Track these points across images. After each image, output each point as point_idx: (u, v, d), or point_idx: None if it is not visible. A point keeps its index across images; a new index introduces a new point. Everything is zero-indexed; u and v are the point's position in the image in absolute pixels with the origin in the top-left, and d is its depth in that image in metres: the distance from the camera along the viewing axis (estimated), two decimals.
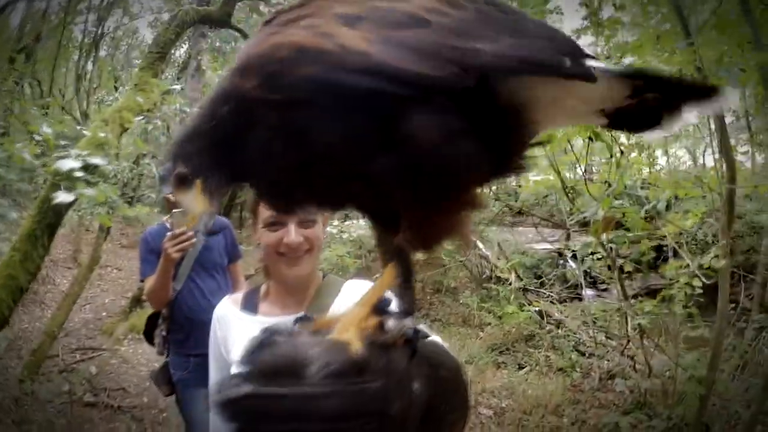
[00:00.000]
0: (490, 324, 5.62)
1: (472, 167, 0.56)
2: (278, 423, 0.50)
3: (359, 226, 6.35)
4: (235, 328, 1.30)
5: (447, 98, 0.52)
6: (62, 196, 2.43)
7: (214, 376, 1.36)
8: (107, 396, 4.40)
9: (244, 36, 5.22)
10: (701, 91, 0.61)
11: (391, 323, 0.57)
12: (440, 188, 0.55)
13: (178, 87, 6.55)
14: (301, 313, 1.02)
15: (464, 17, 0.54)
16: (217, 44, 9.27)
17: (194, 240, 2.42)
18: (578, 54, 0.60)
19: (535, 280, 7.02)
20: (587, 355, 4.80)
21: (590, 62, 0.59)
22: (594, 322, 5.14)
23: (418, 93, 0.50)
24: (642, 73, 0.61)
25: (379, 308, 0.60)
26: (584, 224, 10.20)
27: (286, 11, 0.59)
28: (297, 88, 0.51)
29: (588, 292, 7.68)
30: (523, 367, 4.72)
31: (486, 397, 4.20)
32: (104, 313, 6.69)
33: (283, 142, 0.56)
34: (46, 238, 2.66)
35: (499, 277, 6.16)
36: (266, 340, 0.57)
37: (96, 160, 2.56)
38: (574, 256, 9.22)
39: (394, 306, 0.62)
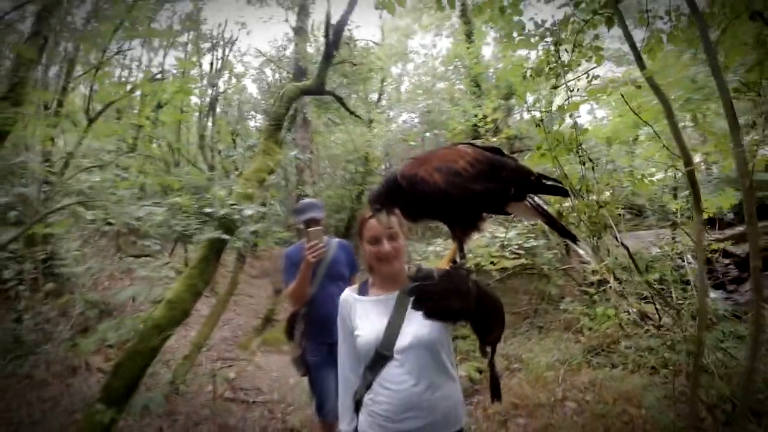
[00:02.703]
0: (590, 329, 6.01)
1: (480, 217, 1.55)
2: (430, 295, 1.41)
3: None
4: (355, 307, 2.02)
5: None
6: (226, 237, 3.78)
7: (341, 341, 2.06)
8: (244, 394, 5.60)
9: (338, 99, 6.46)
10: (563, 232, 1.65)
11: (458, 261, 1.51)
12: (472, 221, 1.52)
13: (294, 159, 8.26)
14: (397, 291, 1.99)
15: (475, 172, 1.44)
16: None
17: (325, 249, 3.25)
18: (525, 184, 1.54)
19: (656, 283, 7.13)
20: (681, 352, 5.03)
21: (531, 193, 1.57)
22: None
23: (454, 201, 1.46)
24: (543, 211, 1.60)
25: (452, 259, 1.53)
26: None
27: (419, 159, 1.54)
28: (416, 190, 1.46)
29: (712, 294, 7.59)
30: (616, 367, 5.09)
31: (573, 393, 4.71)
32: (239, 332, 8.24)
33: (420, 201, 1.48)
34: (214, 260, 3.92)
35: (600, 281, 6.50)
36: (418, 271, 1.52)
37: (250, 210, 3.84)
38: (695, 256, 9.03)
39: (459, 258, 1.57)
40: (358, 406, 1.96)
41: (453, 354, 2.00)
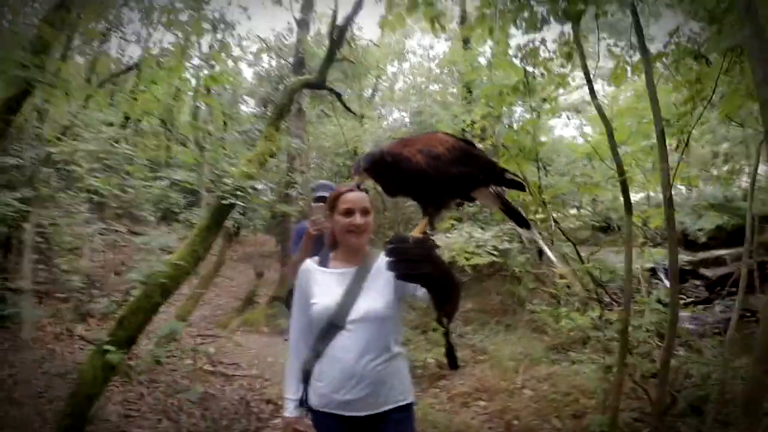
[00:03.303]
0: (554, 329, 6.49)
1: (451, 198, 1.66)
2: (404, 259, 1.36)
3: None
4: (314, 276, 2.12)
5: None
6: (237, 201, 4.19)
7: (296, 310, 2.15)
8: (223, 368, 5.95)
9: (337, 95, 6.91)
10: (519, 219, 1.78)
11: (428, 231, 1.52)
12: (444, 201, 1.61)
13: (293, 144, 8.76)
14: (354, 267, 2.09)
15: (452, 157, 1.53)
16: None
17: (327, 225, 3.74)
18: (491, 174, 1.67)
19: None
20: (636, 355, 5.53)
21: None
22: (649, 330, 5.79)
23: (432, 175, 1.53)
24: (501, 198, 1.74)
25: (423, 230, 1.54)
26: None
27: (403, 141, 1.63)
28: (399, 167, 1.53)
29: (682, 314, 8.06)
30: (575, 363, 5.58)
31: (532, 383, 5.17)
32: (219, 312, 8.62)
33: (401, 178, 1.55)
34: (214, 229, 4.29)
35: (567, 285, 7.00)
36: (395, 236, 1.48)
37: (260, 186, 4.27)
38: (667, 275, 9.59)
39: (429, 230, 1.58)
40: (306, 376, 2.04)
41: (401, 331, 2.16)
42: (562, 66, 3.50)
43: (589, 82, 3.14)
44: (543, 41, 3.42)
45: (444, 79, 13.47)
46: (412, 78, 14.60)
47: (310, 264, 2.19)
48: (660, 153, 2.77)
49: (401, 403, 2.02)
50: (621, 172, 2.91)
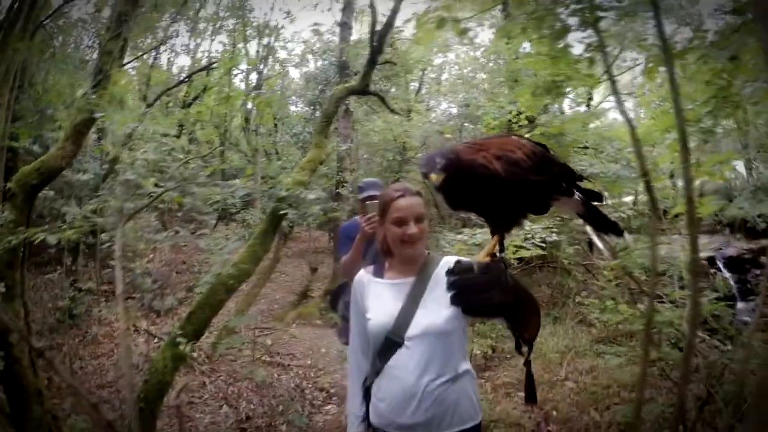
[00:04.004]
0: (603, 322, 6.56)
1: (528, 212, 1.65)
2: (470, 290, 1.45)
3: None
4: (369, 288, 2.02)
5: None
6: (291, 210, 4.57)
7: (353, 323, 2.08)
8: (280, 358, 6.46)
9: (380, 98, 7.20)
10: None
11: (497, 255, 1.53)
12: (519, 215, 1.61)
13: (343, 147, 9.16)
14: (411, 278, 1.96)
15: (532, 164, 1.48)
16: None
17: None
18: (571, 181, 1.63)
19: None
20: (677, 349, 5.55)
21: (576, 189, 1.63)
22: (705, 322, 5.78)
23: (513, 185, 1.48)
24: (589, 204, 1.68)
25: (491, 252, 1.54)
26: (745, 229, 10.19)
27: (476, 145, 1.55)
28: (474, 175, 1.47)
29: (741, 305, 7.89)
30: (620, 357, 5.67)
31: (574, 375, 5.33)
32: (276, 306, 9.20)
33: (472, 187, 1.49)
34: (271, 233, 4.65)
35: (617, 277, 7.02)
36: (458, 264, 1.54)
37: (312, 195, 4.65)
38: (727, 264, 9.32)
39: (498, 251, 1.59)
40: (367, 392, 1.96)
41: (467, 346, 2.00)
42: (591, 64, 3.63)
43: (613, 84, 3.29)
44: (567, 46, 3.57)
45: (491, 68, 13.50)
46: (459, 68, 14.70)
47: (364, 275, 2.09)
48: (681, 152, 2.90)
49: (468, 425, 1.87)
50: (644, 173, 3.04)
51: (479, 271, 1.41)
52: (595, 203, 1.71)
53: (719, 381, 4.22)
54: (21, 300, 3.85)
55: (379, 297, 1.98)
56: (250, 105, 12.16)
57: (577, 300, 7.18)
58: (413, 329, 1.85)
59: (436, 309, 1.84)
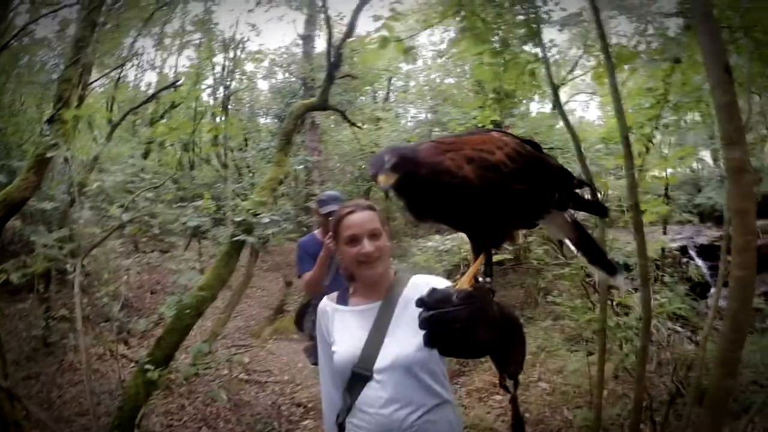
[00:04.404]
0: (577, 319, 6.74)
1: (514, 227, 1.33)
2: (450, 325, 1.05)
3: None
4: (334, 318, 1.87)
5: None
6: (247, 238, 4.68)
7: (321, 356, 1.92)
8: (257, 375, 6.51)
9: (340, 113, 7.33)
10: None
11: (481, 280, 1.17)
12: (504, 231, 1.22)
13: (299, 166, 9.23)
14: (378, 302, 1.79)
15: (514, 168, 1.14)
16: None
17: None
18: (567, 190, 1.29)
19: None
20: (656, 345, 5.75)
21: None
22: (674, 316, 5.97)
23: (489, 194, 1.13)
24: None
25: (475, 276, 1.17)
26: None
27: (443, 143, 1.20)
28: (439, 183, 1.12)
29: (713, 291, 8.13)
30: (592, 354, 5.84)
31: (547, 376, 5.49)
32: (252, 322, 9.23)
33: (438, 197, 1.14)
34: (235, 255, 4.80)
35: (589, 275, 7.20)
36: (432, 293, 1.12)
37: (267, 218, 4.76)
38: (699, 253, 9.65)
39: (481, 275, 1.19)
40: (341, 429, 1.78)
41: (445, 371, 1.83)
42: (531, 74, 3.79)
43: (555, 94, 3.46)
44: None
45: (458, 73, 13.69)
46: (426, 75, 14.88)
47: (327, 303, 1.95)
48: (625, 159, 3.06)
49: None
50: (590, 181, 3.18)
51: (459, 301, 1.10)
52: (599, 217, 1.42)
53: (687, 374, 4.44)
54: None
55: (344, 327, 1.83)
56: (218, 119, 12.23)
57: (548, 299, 7.37)
58: (381, 361, 1.70)
59: (406, 337, 1.69)
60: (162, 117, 11.12)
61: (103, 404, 5.21)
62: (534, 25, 3.37)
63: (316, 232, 3.72)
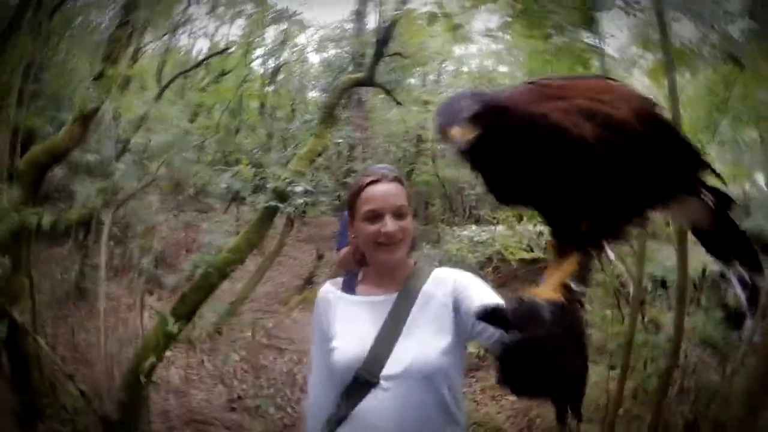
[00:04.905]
0: (605, 330, 6.60)
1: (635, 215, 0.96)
2: (539, 356, 0.79)
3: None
4: (337, 307, 1.55)
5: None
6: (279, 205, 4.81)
7: (314, 350, 1.61)
8: (278, 341, 6.73)
9: (386, 91, 7.27)
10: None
11: (575, 287, 0.88)
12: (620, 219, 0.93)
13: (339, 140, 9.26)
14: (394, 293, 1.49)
15: (645, 133, 0.86)
16: None
17: None
18: (693, 170, 0.96)
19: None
20: (681, 370, 5.59)
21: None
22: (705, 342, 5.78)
23: (611, 165, 0.83)
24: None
25: (564, 282, 0.88)
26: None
27: (545, 87, 0.90)
28: (543, 142, 0.82)
29: (749, 323, 7.80)
30: (614, 368, 5.72)
31: None
32: (281, 289, 9.47)
33: (535, 162, 0.85)
34: (267, 221, 4.91)
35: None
36: (519, 306, 0.86)
37: (300, 187, 4.87)
38: (740, 280, 9.23)
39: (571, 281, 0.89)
40: None
41: (461, 386, 1.55)
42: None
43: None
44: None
45: (512, 61, 13.42)
46: (479, 61, 14.66)
47: (329, 289, 1.64)
48: None
49: None
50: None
51: (552, 319, 0.82)
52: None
53: (708, 404, 4.30)
54: (26, 271, 4.09)
55: (348, 319, 1.53)
56: (266, 89, 12.41)
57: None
58: (393, 366, 1.40)
59: (426, 338, 1.42)
60: (211, 83, 11.38)
61: (126, 351, 5.48)
62: (590, 11, 3.27)
63: None
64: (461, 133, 0.81)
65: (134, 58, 7.67)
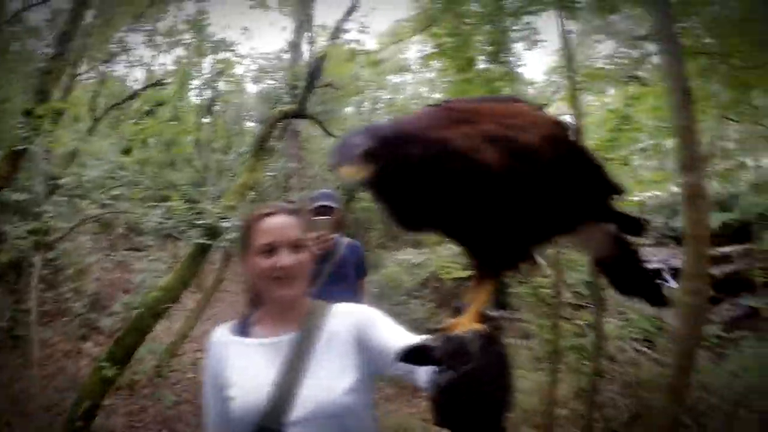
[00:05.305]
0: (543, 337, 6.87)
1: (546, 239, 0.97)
2: (469, 389, 0.77)
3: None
4: (230, 352, 1.48)
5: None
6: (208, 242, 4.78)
7: (210, 399, 1.52)
8: None
9: (318, 122, 7.41)
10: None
11: (495, 314, 0.88)
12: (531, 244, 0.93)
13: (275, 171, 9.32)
14: (291, 333, 1.43)
15: (555, 156, 0.83)
16: None
17: (332, 243, 3.12)
18: (602, 196, 0.98)
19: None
20: (621, 365, 5.91)
21: None
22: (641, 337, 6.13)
23: (519, 192, 0.83)
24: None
25: (481, 310, 0.87)
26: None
27: (451, 109, 0.88)
28: (444, 170, 0.80)
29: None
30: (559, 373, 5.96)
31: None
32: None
33: (437, 190, 0.81)
34: (200, 258, 4.87)
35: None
36: (446, 341, 0.83)
37: (227, 223, 4.85)
38: (674, 275, 9.88)
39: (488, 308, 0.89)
40: None
41: (373, 423, 1.50)
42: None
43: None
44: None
45: (445, 88, 13.89)
46: (414, 89, 15.09)
47: (221, 333, 1.56)
48: None
49: None
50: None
51: (480, 352, 0.81)
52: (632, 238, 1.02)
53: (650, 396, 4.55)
54: None
55: (245, 365, 1.44)
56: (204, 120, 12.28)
57: (517, 316, 7.50)
58: (299, 410, 1.34)
59: (330, 378, 1.37)
60: (147, 114, 11.18)
61: (67, 401, 5.26)
62: (499, 44, 3.55)
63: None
64: (354, 172, 0.80)
65: (68, 89, 7.51)
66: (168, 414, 5.53)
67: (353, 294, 3.46)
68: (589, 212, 0.94)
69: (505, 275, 0.97)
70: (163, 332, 7.77)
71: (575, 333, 5.08)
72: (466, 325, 0.85)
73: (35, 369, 6.29)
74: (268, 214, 1.48)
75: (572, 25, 3.48)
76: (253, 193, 6.51)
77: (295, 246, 1.45)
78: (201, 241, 4.69)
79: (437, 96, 14.23)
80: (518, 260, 0.93)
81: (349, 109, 13.43)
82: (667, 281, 9.12)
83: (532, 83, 7.26)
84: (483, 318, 0.87)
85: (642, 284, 1.06)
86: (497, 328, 0.88)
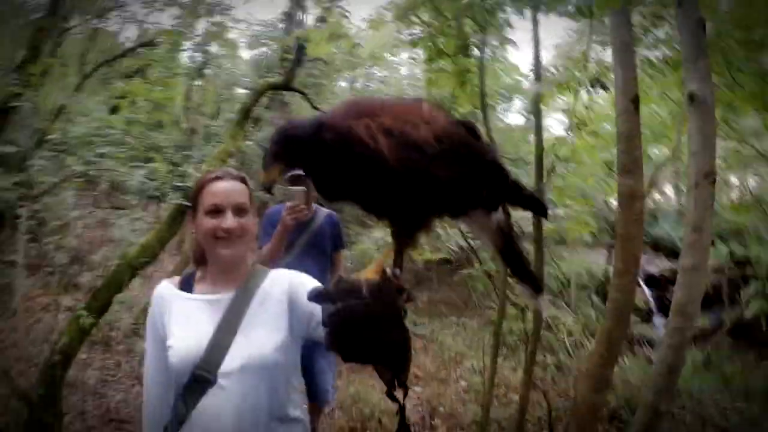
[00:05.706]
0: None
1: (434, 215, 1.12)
2: (357, 322, 0.96)
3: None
4: (172, 305, 1.58)
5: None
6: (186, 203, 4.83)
7: (149, 352, 1.62)
8: None
9: (303, 94, 7.48)
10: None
11: (389, 272, 1.04)
12: (422, 219, 1.10)
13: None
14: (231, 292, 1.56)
15: (441, 151, 0.99)
16: None
17: (307, 213, 3.03)
18: (500, 186, 1.15)
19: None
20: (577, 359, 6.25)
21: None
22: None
23: (405, 178, 0.97)
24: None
25: (382, 267, 1.06)
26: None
27: (360, 106, 1.06)
28: (347, 153, 0.98)
29: (658, 320, 8.74)
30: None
31: (468, 375, 5.93)
32: None
33: (346, 171, 0.99)
34: (179, 219, 4.86)
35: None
36: (338, 282, 1.04)
37: None
38: (647, 281, 10.23)
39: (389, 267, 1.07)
40: None
41: (300, 386, 1.67)
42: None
43: (483, 104, 3.84)
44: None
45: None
46: (409, 68, 15.09)
47: (165, 287, 1.66)
48: (536, 176, 3.43)
49: None
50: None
51: (369, 294, 0.97)
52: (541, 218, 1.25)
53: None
54: None
55: (185, 318, 1.56)
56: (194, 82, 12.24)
57: (486, 304, 7.83)
58: (230, 362, 1.46)
59: (264, 335, 1.51)
60: (137, 73, 11.10)
61: (44, 352, 5.43)
62: (466, 38, 3.70)
63: (284, 202, 3.30)
64: (270, 175, 1.02)
65: (58, 44, 7.53)
66: (142, 370, 5.73)
67: (328, 265, 3.52)
68: (477, 200, 1.11)
69: (409, 240, 1.09)
70: (141, 293, 8.00)
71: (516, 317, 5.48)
72: (367, 274, 1.04)
73: (14, 320, 6.48)
74: (217, 178, 1.60)
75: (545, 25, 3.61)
76: (234, 160, 6.64)
77: (240, 210, 1.57)
78: (180, 201, 4.81)
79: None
80: (416, 230, 1.09)
81: (342, 84, 13.42)
82: (640, 285, 9.49)
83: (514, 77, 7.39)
84: (382, 272, 1.04)
85: (525, 272, 1.26)
86: (397, 284, 1.03)
